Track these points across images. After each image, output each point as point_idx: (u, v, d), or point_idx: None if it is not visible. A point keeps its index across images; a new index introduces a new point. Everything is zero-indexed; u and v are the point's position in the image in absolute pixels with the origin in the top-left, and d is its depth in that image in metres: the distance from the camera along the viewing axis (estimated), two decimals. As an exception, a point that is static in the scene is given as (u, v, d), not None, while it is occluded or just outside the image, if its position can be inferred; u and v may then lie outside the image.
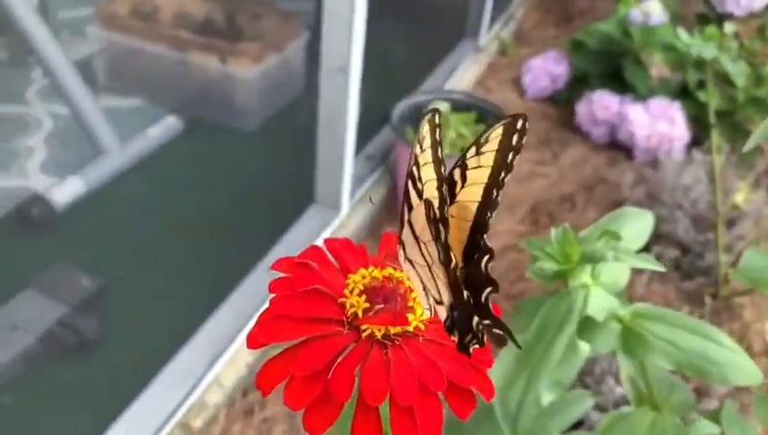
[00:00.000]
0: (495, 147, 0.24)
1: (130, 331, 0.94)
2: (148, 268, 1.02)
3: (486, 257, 0.24)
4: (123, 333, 0.93)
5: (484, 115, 1.21)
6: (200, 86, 1.32)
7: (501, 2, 1.79)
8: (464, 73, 1.60)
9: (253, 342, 0.22)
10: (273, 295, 0.24)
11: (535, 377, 0.37)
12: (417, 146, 0.23)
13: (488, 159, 0.24)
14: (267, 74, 1.29)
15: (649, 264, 0.35)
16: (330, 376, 0.20)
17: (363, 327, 0.22)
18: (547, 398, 0.36)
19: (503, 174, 0.24)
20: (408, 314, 0.23)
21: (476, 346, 0.22)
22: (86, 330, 0.88)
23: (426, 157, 0.23)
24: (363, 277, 0.24)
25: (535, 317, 0.39)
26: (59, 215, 1.07)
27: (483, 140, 0.24)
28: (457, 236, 0.25)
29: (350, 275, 0.24)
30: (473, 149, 0.25)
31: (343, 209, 1.12)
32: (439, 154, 0.23)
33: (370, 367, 0.21)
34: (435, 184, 0.23)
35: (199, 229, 1.10)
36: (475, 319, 0.22)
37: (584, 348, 0.37)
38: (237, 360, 0.89)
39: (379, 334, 0.22)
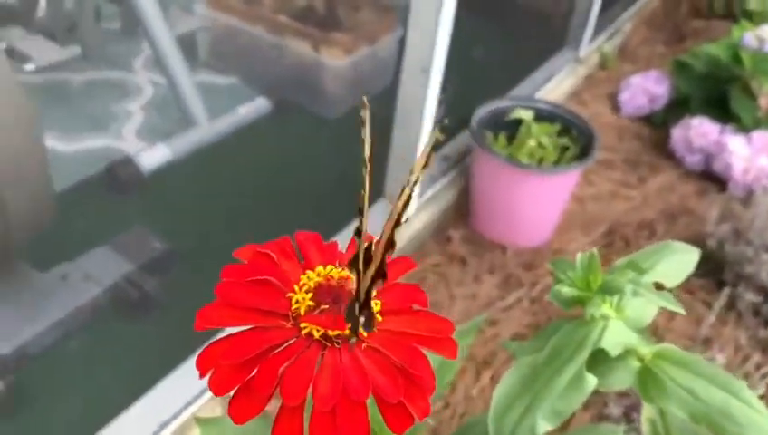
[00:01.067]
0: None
1: (192, 296, 0.98)
2: (217, 239, 1.07)
3: (389, 250, 0.25)
4: (185, 297, 0.98)
5: (569, 128, 1.17)
6: (292, 71, 1.36)
7: (608, 14, 1.73)
8: (558, 84, 1.56)
9: (198, 324, 0.23)
10: (222, 281, 0.24)
11: (536, 404, 0.36)
12: None
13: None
14: (357, 65, 1.31)
15: (669, 303, 0.33)
16: (255, 369, 0.20)
17: (302, 325, 0.22)
18: (543, 428, 0.35)
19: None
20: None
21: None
22: (150, 289, 0.93)
23: None
24: (318, 275, 0.25)
25: (549, 341, 0.38)
26: (145, 178, 1.14)
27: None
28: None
29: (307, 272, 0.25)
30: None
31: (411, 207, 1.12)
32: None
33: (297, 366, 0.21)
34: None
35: (270, 208, 1.14)
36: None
37: (591, 381, 0.36)
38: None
39: (317, 335, 0.22)
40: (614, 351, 0.36)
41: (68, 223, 1.03)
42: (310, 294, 0.23)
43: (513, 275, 1.14)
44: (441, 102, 1.21)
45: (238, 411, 0.20)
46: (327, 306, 0.23)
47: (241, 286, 0.24)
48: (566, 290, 0.37)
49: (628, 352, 0.38)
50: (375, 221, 1.08)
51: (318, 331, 0.22)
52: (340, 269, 0.25)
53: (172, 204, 1.13)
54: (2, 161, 0.74)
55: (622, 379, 0.38)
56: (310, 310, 0.23)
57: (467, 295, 1.09)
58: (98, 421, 0.76)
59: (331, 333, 0.22)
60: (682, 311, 0.34)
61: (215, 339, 0.22)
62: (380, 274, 0.24)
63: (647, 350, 0.38)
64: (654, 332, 1.03)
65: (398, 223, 0.24)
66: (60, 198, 1.09)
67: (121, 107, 1.31)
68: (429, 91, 0.99)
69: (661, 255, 0.42)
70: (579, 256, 0.38)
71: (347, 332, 0.22)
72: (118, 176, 1.13)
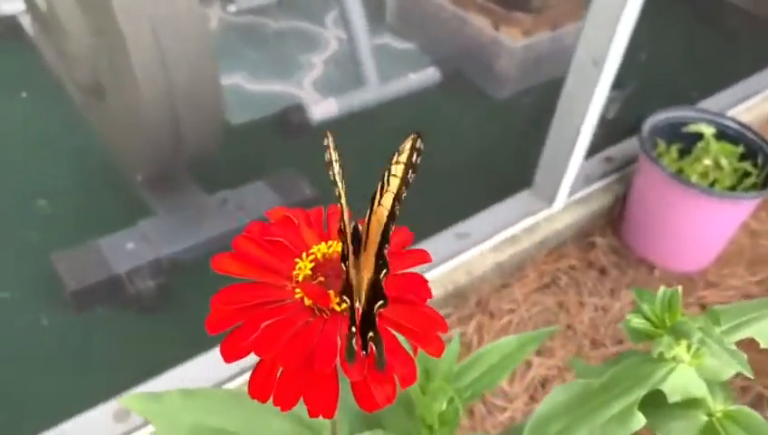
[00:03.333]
0: (404, 159, 0.25)
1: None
2: (359, 196, 1.11)
3: (384, 271, 0.24)
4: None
5: (755, 153, 1.05)
6: (468, 45, 1.35)
7: None
8: (760, 103, 1.39)
9: (214, 265, 0.24)
10: (246, 234, 0.26)
11: (575, 426, 0.34)
12: (396, 155, 0.25)
13: (399, 169, 0.25)
14: (533, 49, 1.27)
15: (735, 361, 0.30)
16: (245, 317, 0.22)
17: (297, 290, 0.24)
18: (574, 451, 0.33)
19: (404, 188, 0.25)
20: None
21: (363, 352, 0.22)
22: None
23: (397, 170, 0.25)
24: (329, 248, 0.25)
25: (612, 368, 0.36)
26: (312, 127, 1.21)
27: (400, 149, 0.26)
28: (373, 242, 0.25)
29: (321, 243, 0.26)
30: (395, 155, 0.26)
31: (557, 204, 1.08)
32: (408, 176, 0.25)
33: (278, 324, 0.22)
34: (391, 196, 0.25)
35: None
36: (354, 328, 0.22)
37: (639, 420, 0.33)
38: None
39: (307, 302, 0.23)
40: (672, 396, 0.33)
41: (237, 154, 1.13)
42: (312, 264, 0.24)
43: (654, 297, 1.06)
44: (614, 99, 1.15)
45: (226, 352, 0.22)
46: (323, 279, 0.24)
47: (256, 243, 0.25)
48: (636, 322, 0.34)
49: (696, 403, 0.35)
50: (516, 210, 1.05)
51: (307, 299, 0.23)
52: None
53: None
54: (182, 87, 0.83)
55: (684, 429, 0.35)
56: (307, 278, 0.24)
57: (598, 307, 1.04)
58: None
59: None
60: (749, 373, 0.30)
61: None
62: (381, 269, 0.24)
63: (719, 406, 0.35)
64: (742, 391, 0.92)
65: (392, 216, 0.24)
66: (236, 130, 1.20)
67: (306, 58, 1.40)
68: (599, 85, 0.94)
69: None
70: (661, 289, 0.35)
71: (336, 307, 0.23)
72: (289, 121, 1.21)
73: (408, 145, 0.25)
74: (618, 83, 0.99)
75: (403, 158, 0.25)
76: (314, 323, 0.23)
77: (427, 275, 0.96)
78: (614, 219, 1.15)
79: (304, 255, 0.25)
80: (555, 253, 1.09)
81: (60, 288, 0.89)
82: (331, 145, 0.25)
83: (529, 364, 0.94)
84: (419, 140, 0.25)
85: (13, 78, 1.18)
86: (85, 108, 1.00)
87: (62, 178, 1.05)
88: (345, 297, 0.23)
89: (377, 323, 0.23)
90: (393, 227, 0.25)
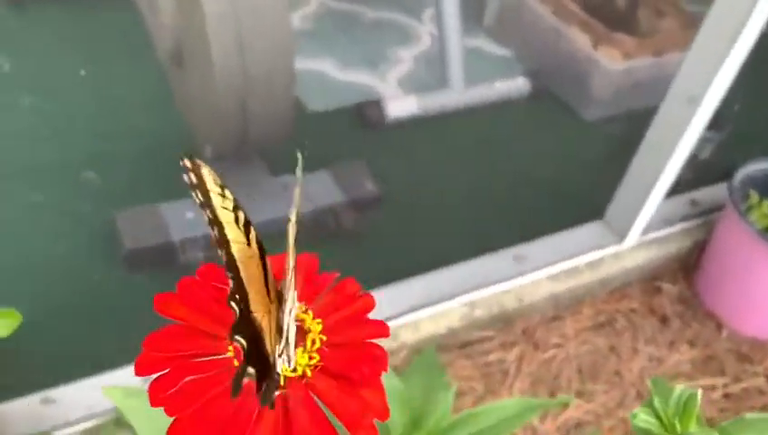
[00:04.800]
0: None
1: (379, 245, 1.03)
2: (424, 200, 1.09)
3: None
4: (373, 242, 1.03)
5: None
6: (563, 61, 1.29)
7: None
8: None
9: (160, 307, 0.23)
10: (197, 275, 0.24)
11: None
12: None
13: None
14: (631, 74, 1.20)
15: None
16: (171, 366, 0.21)
17: (229, 348, 0.22)
18: None
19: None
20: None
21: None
22: (346, 223, 1.00)
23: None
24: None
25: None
26: (386, 123, 1.19)
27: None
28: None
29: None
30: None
31: (627, 242, 1.02)
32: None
33: (197, 383, 0.20)
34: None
35: (487, 189, 1.12)
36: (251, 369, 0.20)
37: None
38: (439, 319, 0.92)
39: (236, 363, 0.21)
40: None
41: (308, 140, 1.13)
42: None
43: (718, 359, 0.98)
44: (708, 140, 1.07)
45: (152, 397, 0.21)
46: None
47: (203, 288, 0.23)
48: (643, 419, 0.31)
49: None
50: (583, 241, 0.99)
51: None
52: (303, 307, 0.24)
53: (396, 154, 1.17)
54: (256, 67, 0.83)
55: None
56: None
57: (653, 357, 0.97)
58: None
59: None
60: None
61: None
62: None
63: None
64: None
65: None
66: (312, 117, 1.20)
67: (395, 51, 1.38)
68: (692, 124, 0.87)
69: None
70: (678, 388, 0.31)
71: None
72: (365, 114, 1.20)
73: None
74: (715, 123, 0.92)
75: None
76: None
77: (474, 294, 0.94)
78: (688, 267, 1.07)
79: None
80: (617, 292, 1.03)
81: (118, 246, 0.92)
82: (300, 180, 0.23)
83: (565, 406, 0.89)
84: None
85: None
86: (168, 76, 1.02)
87: (139, 143, 1.09)
88: (238, 337, 0.21)
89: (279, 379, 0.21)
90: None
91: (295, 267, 0.22)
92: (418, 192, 1.10)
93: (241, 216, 0.24)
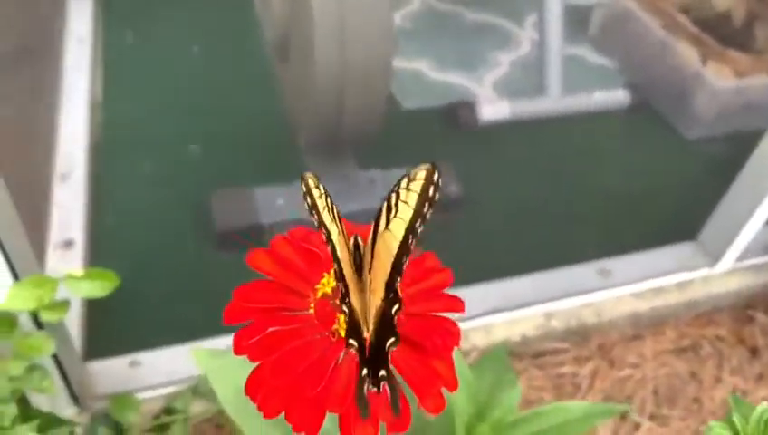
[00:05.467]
0: (418, 190, 0.23)
1: (453, 246, 1.03)
2: (506, 207, 1.08)
3: (396, 306, 0.22)
4: (448, 243, 1.03)
5: None
6: (668, 75, 1.25)
7: None
8: None
9: (251, 260, 0.24)
10: (287, 236, 0.26)
11: None
12: (406, 180, 0.24)
13: (412, 198, 0.24)
14: (742, 93, 1.14)
15: None
16: (256, 317, 0.22)
17: (311, 305, 0.23)
18: None
19: (419, 222, 0.23)
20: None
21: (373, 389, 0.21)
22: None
23: (408, 197, 0.24)
24: None
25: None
26: (478, 126, 1.19)
27: (411, 175, 0.24)
28: (382, 266, 0.24)
29: None
30: (405, 181, 0.24)
31: (720, 266, 0.97)
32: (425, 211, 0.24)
33: (279, 334, 0.22)
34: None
35: (571, 199, 1.10)
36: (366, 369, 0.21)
37: None
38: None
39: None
40: None
41: (399, 138, 1.15)
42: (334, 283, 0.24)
43: (811, 399, 0.92)
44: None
45: (236, 346, 0.22)
46: (336, 301, 0.23)
47: (294, 247, 0.25)
48: (718, 433, 0.30)
49: None
50: (672, 261, 0.96)
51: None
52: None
53: (487, 157, 1.17)
54: (355, 63, 0.86)
55: None
56: (326, 296, 0.24)
57: (737, 389, 0.93)
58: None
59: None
60: None
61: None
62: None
63: None
64: None
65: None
66: (405, 115, 1.22)
67: (494, 55, 1.38)
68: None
69: None
70: (761, 406, 0.30)
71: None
72: (458, 115, 1.21)
73: (421, 174, 0.24)
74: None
75: (416, 187, 0.24)
76: (317, 342, 0.23)
77: (552, 304, 0.92)
78: (787, 300, 1.01)
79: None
80: (704, 317, 0.99)
81: (211, 224, 0.97)
82: (312, 188, 0.24)
83: (637, 427, 0.86)
84: (436, 174, 0.24)
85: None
86: (273, 64, 1.07)
87: (239, 125, 1.14)
88: (352, 341, 0.22)
89: (388, 361, 0.22)
90: (407, 261, 0.24)
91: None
92: (503, 197, 1.09)
93: (336, 210, 0.25)
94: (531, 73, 1.31)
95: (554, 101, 1.22)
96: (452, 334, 0.23)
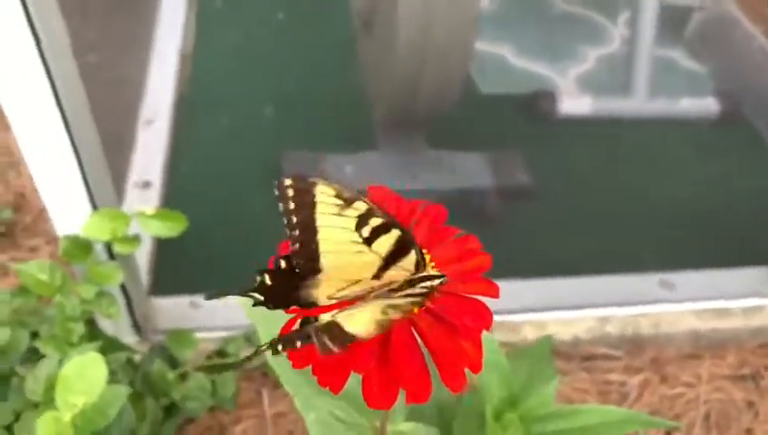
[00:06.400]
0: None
1: (519, 240, 1.01)
2: (577, 202, 1.05)
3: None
4: (513, 233, 1.02)
5: None
6: (765, 86, 1.18)
7: None
8: None
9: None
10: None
11: None
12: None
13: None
14: None
15: None
16: None
17: None
18: None
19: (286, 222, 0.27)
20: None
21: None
22: (490, 209, 1.00)
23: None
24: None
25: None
26: (556, 118, 1.16)
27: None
28: None
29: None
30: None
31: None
32: None
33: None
34: None
35: (643, 204, 1.06)
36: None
37: None
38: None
39: None
40: None
41: (473, 121, 1.14)
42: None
43: None
44: None
45: None
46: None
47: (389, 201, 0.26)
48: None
49: None
50: (742, 284, 0.91)
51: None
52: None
53: (561, 151, 1.14)
54: (436, 43, 0.85)
55: None
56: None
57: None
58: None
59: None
60: None
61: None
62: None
63: None
64: None
65: None
66: (482, 99, 1.20)
67: (582, 48, 1.34)
68: None
69: None
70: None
71: None
72: (536, 105, 1.18)
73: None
74: None
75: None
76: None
77: (609, 310, 0.90)
78: None
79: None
80: (763, 345, 0.94)
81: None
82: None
83: (681, 446, 0.84)
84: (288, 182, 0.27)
85: None
86: (356, 34, 1.08)
87: (321, 94, 1.16)
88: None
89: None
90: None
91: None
92: (573, 193, 1.07)
93: (373, 222, 0.26)
94: (617, 72, 1.26)
95: (639, 102, 1.18)
96: (483, 317, 0.23)
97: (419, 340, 0.23)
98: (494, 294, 0.24)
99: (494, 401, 0.37)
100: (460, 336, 0.23)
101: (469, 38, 0.86)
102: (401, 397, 0.37)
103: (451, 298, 0.24)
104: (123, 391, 0.50)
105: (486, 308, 0.24)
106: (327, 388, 0.22)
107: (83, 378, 0.46)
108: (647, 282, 0.94)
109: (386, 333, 0.23)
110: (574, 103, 1.17)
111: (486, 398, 0.37)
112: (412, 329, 0.23)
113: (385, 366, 0.22)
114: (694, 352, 0.94)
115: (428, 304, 0.23)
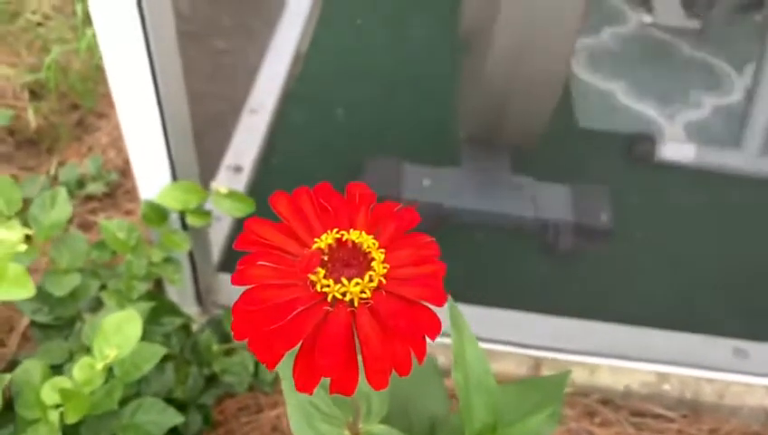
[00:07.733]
0: None
1: (590, 276, 0.98)
2: (654, 252, 1.01)
3: None
4: (581, 275, 0.99)
5: None
6: None
7: None
8: None
9: (274, 201, 0.27)
10: (313, 190, 0.27)
11: None
12: None
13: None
14: None
15: None
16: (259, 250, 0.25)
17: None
18: None
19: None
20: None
21: None
22: (563, 245, 0.98)
23: None
24: (359, 236, 0.25)
25: None
26: (654, 162, 1.12)
27: None
28: None
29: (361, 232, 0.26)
30: None
31: None
32: None
33: (268, 269, 0.24)
34: None
35: (726, 264, 1.00)
36: None
37: None
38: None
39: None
40: None
41: (564, 153, 1.12)
42: (332, 242, 0.25)
43: None
44: None
45: (236, 276, 0.25)
46: (326, 258, 0.25)
47: (312, 202, 0.27)
48: None
49: None
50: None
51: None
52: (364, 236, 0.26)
53: (652, 197, 1.09)
54: (529, 72, 0.85)
55: None
56: (318, 250, 0.25)
57: None
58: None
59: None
60: None
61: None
62: None
63: None
64: None
65: None
66: (579, 131, 1.17)
67: (698, 95, 1.27)
68: None
69: None
70: None
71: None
72: (636, 146, 1.14)
73: None
74: None
75: None
76: (297, 288, 0.24)
77: (670, 368, 0.85)
78: None
79: (336, 230, 0.26)
80: None
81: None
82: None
83: None
84: None
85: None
86: (456, 51, 1.09)
87: (414, 105, 1.19)
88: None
89: None
90: None
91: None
92: (654, 241, 1.02)
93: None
94: (732, 124, 1.19)
95: (748, 158, 1.11)
96: (424, 322, 0.24)
97: (356, 334, 0.24)
98: (439, 302, 0.25)
99: (478, 424, 0.37)
100: (394, 337, 0.24)
101: (560, 75, 0.85)
102: (382, 398, 0.38)
103: (395, 300, 0.24)
104: (159, 350, 0.55)
105: (432, 315, 0.25)
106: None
107: (119, 332, 0.51)
108: (718, 346, 0.88)
109: (322, 322, 0.24)
110: (677, 150, 1.12)
111: (473, 420, 0.38)
112: (350, 322, 0.24)
113: (310, 353, 0.23)
114: (761, 431, 0.87)
115: (371, 300, 0.24)
